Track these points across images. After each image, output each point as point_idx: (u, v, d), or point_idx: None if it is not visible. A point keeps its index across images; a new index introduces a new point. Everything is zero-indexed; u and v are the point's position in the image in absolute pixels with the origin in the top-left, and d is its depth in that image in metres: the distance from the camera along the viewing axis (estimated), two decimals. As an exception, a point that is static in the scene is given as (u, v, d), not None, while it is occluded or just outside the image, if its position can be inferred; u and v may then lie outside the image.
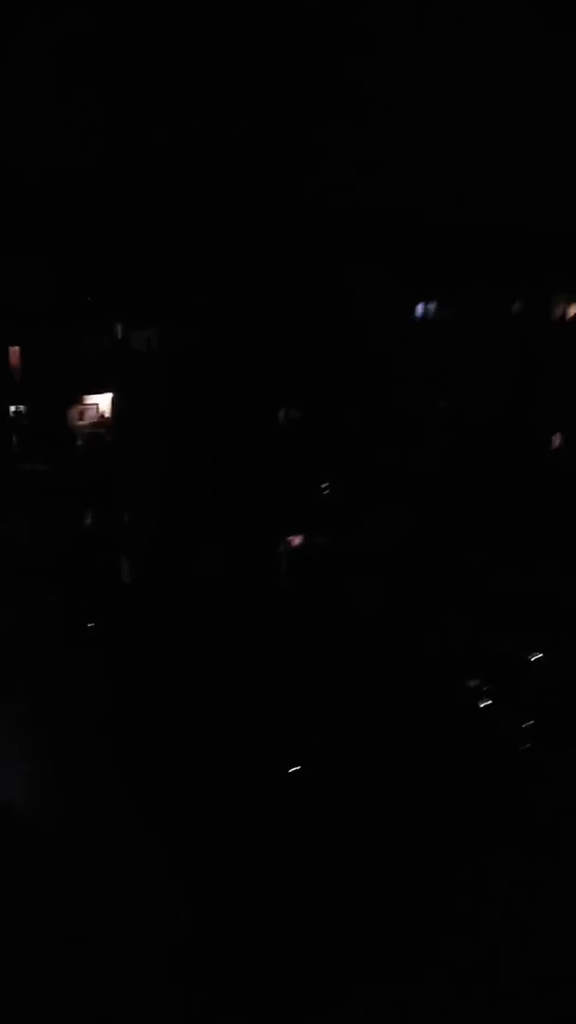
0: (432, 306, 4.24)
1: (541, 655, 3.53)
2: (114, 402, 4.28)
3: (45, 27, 3.03)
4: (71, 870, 2.74)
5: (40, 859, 2.78)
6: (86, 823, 2.96)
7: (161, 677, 3.62)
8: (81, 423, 4.23)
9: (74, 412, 4.21)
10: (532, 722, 3.39)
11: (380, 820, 2.99)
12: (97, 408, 4.29)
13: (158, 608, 3.93)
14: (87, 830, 2.94)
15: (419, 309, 4.26)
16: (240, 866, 2.81)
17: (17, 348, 4.09)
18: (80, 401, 4.23)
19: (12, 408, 4.06)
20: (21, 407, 4.08)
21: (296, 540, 4.11)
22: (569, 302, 4.15)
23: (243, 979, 2.49)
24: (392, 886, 2.79)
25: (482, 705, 3.51)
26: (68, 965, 2.47)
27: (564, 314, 4.15)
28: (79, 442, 4.20)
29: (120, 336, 4.39)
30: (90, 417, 4.25)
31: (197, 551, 4.00)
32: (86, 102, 3.41)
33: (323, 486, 4.31)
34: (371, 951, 2.61)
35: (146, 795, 3.11)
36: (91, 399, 4.29)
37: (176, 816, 3.00)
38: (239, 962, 2.54)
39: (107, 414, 4.30)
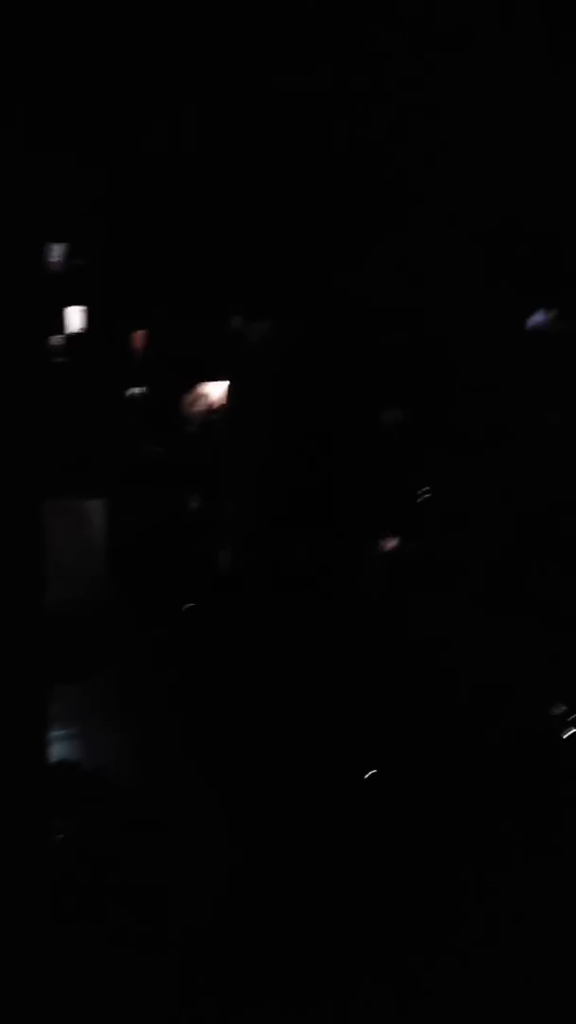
0: (547, 315, 4.16)
1: None
2: (227, 392, 4.39)
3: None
4: (146, 824, 2.92)
5: (121, 815, 2.96)
6: (163, 787, 3.13)
7: (247, 663, 3.73)
8: (194, 410, 4.35)
9: (188, 399, 4.33)
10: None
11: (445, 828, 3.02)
12: (210, 396, 4.41)
13: (251, 596, 4.03)
14: (164, 793, 3.11)
15: (535, 318, 4.19)
16: (290, 846, 2.89)
17: (140, 333, 4.24)
18: (195, 388, 4.35)
19: (132, 390, 4.21)
20: (140, 390, 4.23)
21: (391, 543, 4.14)
22: None
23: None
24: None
25: (567, 736, 3.48)
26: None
27: None
28: (190, 428, 4.32)
29: (238, 326, 4.48)
30: (203, 405, 4.37)
31: (293, 545, 4.08)
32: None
33: (422, 491, 4.32)
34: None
35: (221, 773, 3.23)
36: (205, 387, 4.40)
37: (241, 788, 3.12)
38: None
39: (219, 403, 4.41)
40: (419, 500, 4.25)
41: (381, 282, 4.24)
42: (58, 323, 4.02)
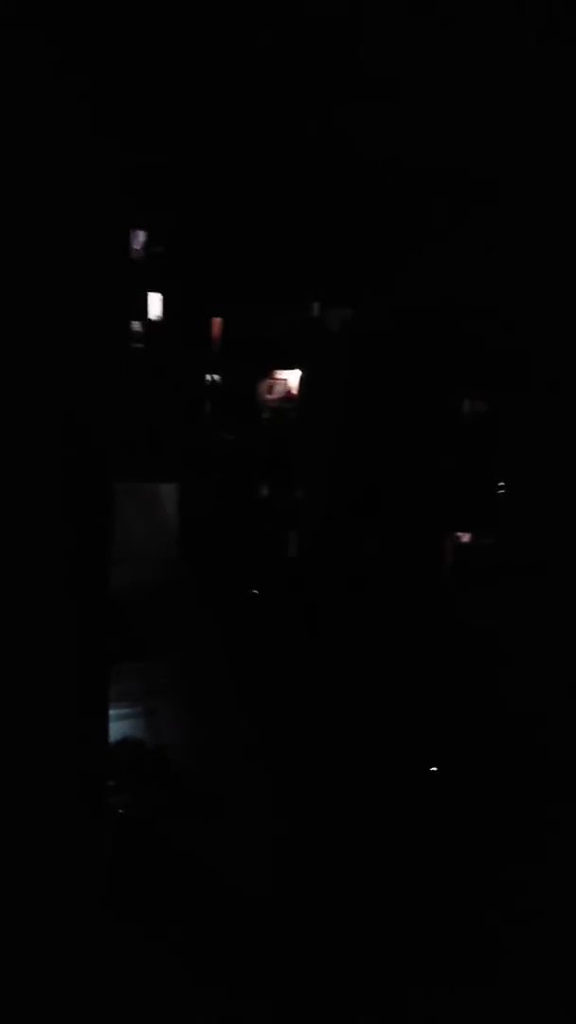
0: None
1: None
2: (302, 380, 4.38)
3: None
4: (206, 797, 2.98)
5: (183, 789, 3.03)
6: (220, 762, 3.18)
7: (310, 649, 3.73)
8: (270, 397, 4.36)
9: (264, 386, 4.35)
10: None
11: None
12: (286, 384, 4.40)
13: (319, 584, 4.03)
14: (224, 772, 3.16)
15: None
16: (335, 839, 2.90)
17: (218, 320, 4.27)
18: (271, 376, 4.36)
19: (208, 377, 4.25)
20: (216, 377, 4.26)
21: (464, 537, 4.05)
22: None
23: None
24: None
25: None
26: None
27: None
28: (265, 416, 4.33)
29: (316, 314, 4.46)
30: (278, 392, 4.37)
31: (363, 535, 4.05)
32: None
33: (499, 484, 4.21)
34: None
35: (277, 752, 3.26)
36: (281, 374, 4.40)
37: (296, 771, 3.14)
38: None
39: (295, 391, 4.40)
40: (496, 494, 4.15)
41: (461, 273, 4.15)
42: (138, 309, 4.09)
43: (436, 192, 3.98)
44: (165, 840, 2.87)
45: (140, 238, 3.98)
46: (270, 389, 4.38)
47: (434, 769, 3.28)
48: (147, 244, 4.00)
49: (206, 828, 2.93)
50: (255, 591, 4.02)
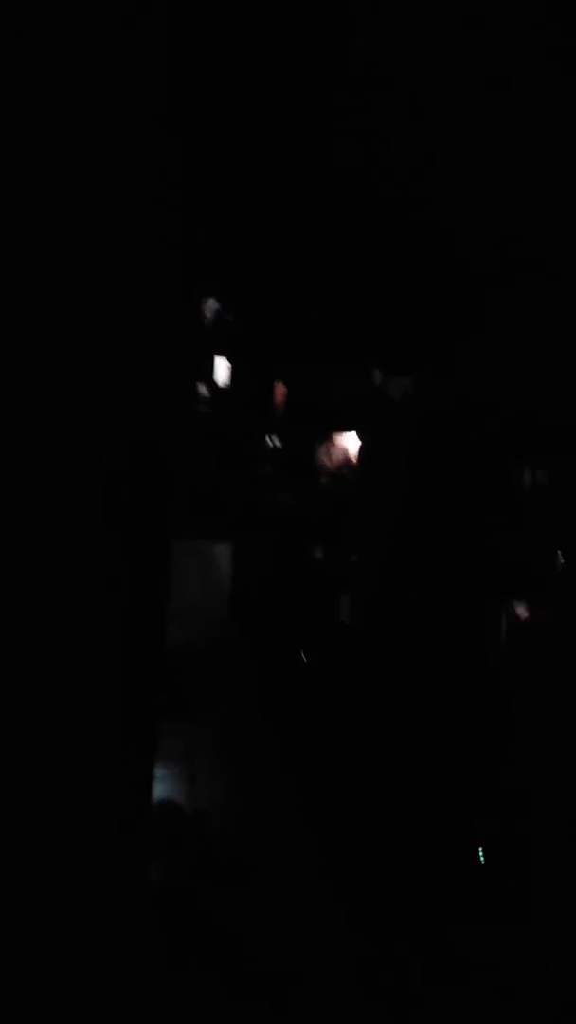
0: None
1: None
2: (362, 445, 4.41)
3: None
4: (243, 865, 2.92)
5: (221, 854, 2.97)
6: (261, 830, 3.11)
7: (360, 717, 3.66)
8: (328, 461, 4.40)
9: (323, 450, 4.39)
10: None
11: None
12: (345, 449, 4.44)
13: (370, 651, 3.97)
14: (260, 835, 3.09)
15: None
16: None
17: (281, 385, 4.35)
18: (330, 440, 4.41)
19: (268, 440, 4.32)
20: (276, 439, 4.33)
21: (523, 611, 3.96)
22: None
23: None
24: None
25: None
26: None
27: None
28: (323, 479, 4.36)
29: (378, 381, 4.51)
30: (337, 457, 4.41)
31: (420, 605, 3.99)
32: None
33: (559, 554, 4.12)
34: None
35: (319, 820, 3.19)
36: (341, 439, 4.45)
37: (336, 837, 3.06)
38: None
39: (354, 455, 4.44)
40: (556, 566, 4.06)
41: (527, 344, 4.15)
42: (205, 372, 4.21)
43: (499, 265, 4.02)
44: (199, 909, 2.81)
45: (211, 305, 4.12)
46: (329, 454, 4.42)
47: (480, 853, 3.14)
48: (217, 312, 4.14)
49: (241, 898, 2.85)
50: (304, 655, 3.99)
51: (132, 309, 1.83)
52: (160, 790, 3.03)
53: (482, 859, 3.18)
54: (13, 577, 1.73)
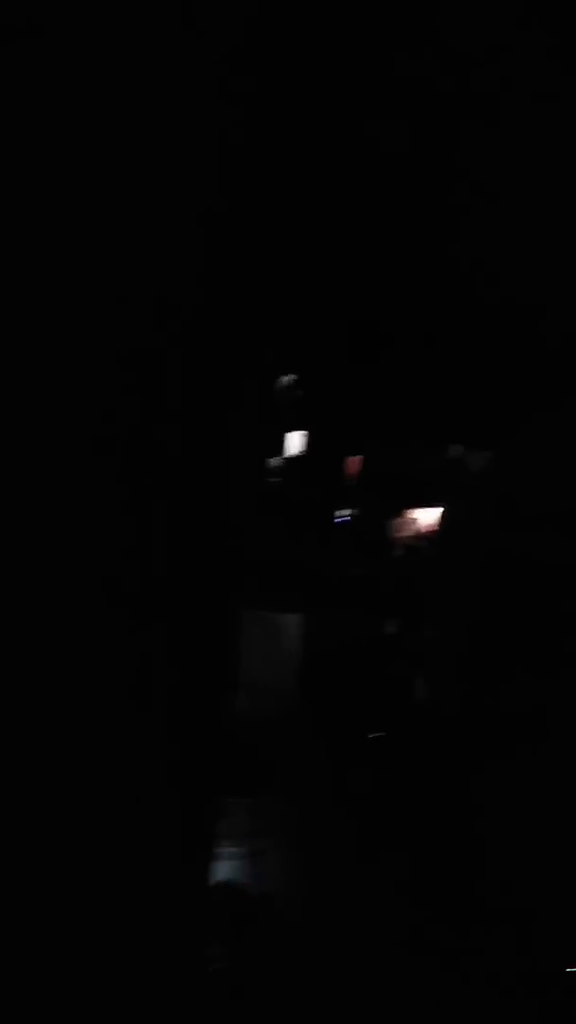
0: None
1: None
2: (441, 518, 4.35)
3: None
4: (312, 957, 2.76)
5: (288, 944, 2.83)
6: (331, 917, 2.96)
7: (433, 801, 3.50)
8: (402, 535, 4.35)
9: (397, 523, 4.36)
10: None
11: None
12: (419, 521, 4.39)
13: (446, 734, 3.82)
14: (331, 923, 2.94)
15: None
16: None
17: (356, 457, 4.37)
18: (405, 513, 4.37)
19: (342, 512, 4.32)
20: (351, 512, 4.32)
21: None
22: None
23: None
24: None
25: None
26: None
27: None
28: (396, 553, 4.31)
29: (455, 454, 4.47)
30: (412, 530, 4.36)
31: (498, 682, 3.83)
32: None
33: None
34: None
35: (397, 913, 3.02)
36: (415, 512, 4.41)
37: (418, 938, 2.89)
38: None
39: (427, 529, 4.38)
40: None
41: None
42: (279, 446, 4.27)
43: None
44: (264, 1003, 2.67)
45: (284, 381, 4.20)
46: (403, 527, 4.38)
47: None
48: (290, 387, 4.22)
49: (310, 992, 2.70)
50: (376, 734, 3.86)
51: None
52: (223, 871, 2.94)
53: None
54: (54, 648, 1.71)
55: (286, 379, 4.18)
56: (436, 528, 4.41)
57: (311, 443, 4.33)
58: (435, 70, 2.80)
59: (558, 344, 4.03)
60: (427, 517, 4.45)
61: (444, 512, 4.41)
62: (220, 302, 1.89)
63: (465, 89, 2.91)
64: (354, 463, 4.38)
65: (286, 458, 4.30)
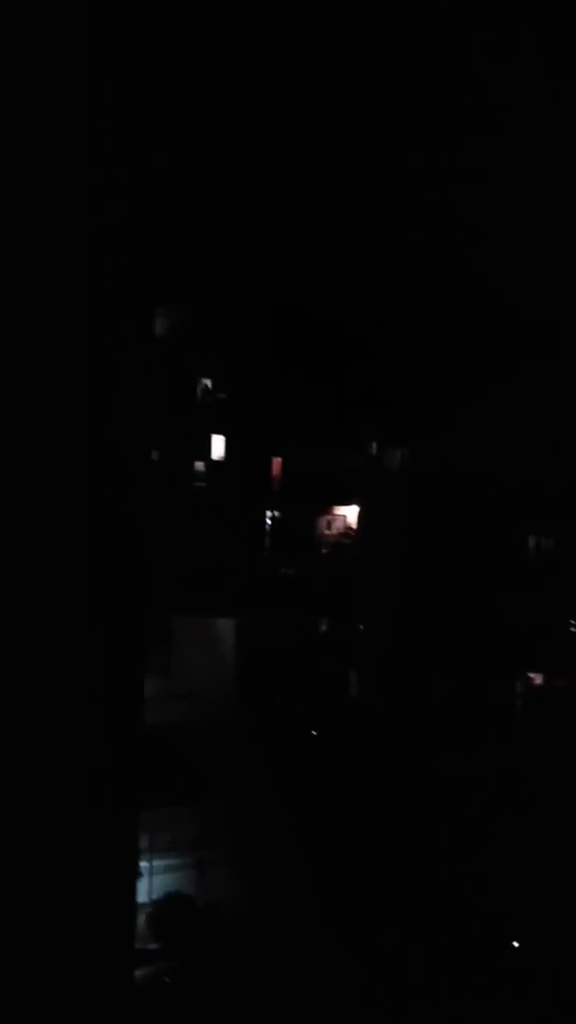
0: None
1: None
2: (361, 515, 4.39)
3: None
4: (260, 964, 2.72)
5: (236, 954, 2.77)
6: (277, 924, 2.91)
7: (374, 791, 3.50)
8: (328, 532, 4.37)
9: (322, 521, 4.37)
10: None
11: None
12: (344, 519, 4.42)
13: (381, 727, 3.83)
14: (277, 930, 2.89)
15: None
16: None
17: (279, 459, 4.36)
18: (329, 512, 4.39)
19: (268, 514, 4.30)
20: (276, 513, 4.31)
21: (537, 679, 3.84)
22: None
23: None
24: None
25: None
26: None
27: None
28: (324, 551, 4.32)
29: (373, 453, 4.52)
30: (337, 527, 4.38)
31: (428, 677, 3.88)
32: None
33: (572, 622, 4.03)
34: None
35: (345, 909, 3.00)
36: (339, 510, 4.43)
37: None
38: None
39: (353, 526, 4.41)
40: (571, 631, 3.97)
41: (519, 410, 4.18)
42: (202, 450, 4.22)
43: (491, 334, 4.09)
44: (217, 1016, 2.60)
45: (205, 385, 4.17)
46: (329, 524, 4.40)
47: (515, 944, 2.95)
48: (209, 391, 4.19)
49: (263, 1003, 2.65)
50: (315, 732, 3.85)
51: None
52: (170, 882, 2.86)
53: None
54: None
55: (205, 383, 4.16)
56: (359, 527, 4.45)
57: (234, 446, 4.31)
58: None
59: (471, 347, 4.14)
60: (350, 515, 4.48)
61: (365, 509, 4.45)
62: (121, 309, 1.86)
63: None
64: (276, 464, 4.37)
65: (210, 462, 4.26)
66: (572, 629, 4.05)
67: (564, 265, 3.66)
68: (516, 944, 3.04)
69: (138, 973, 2.55)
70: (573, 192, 3.26)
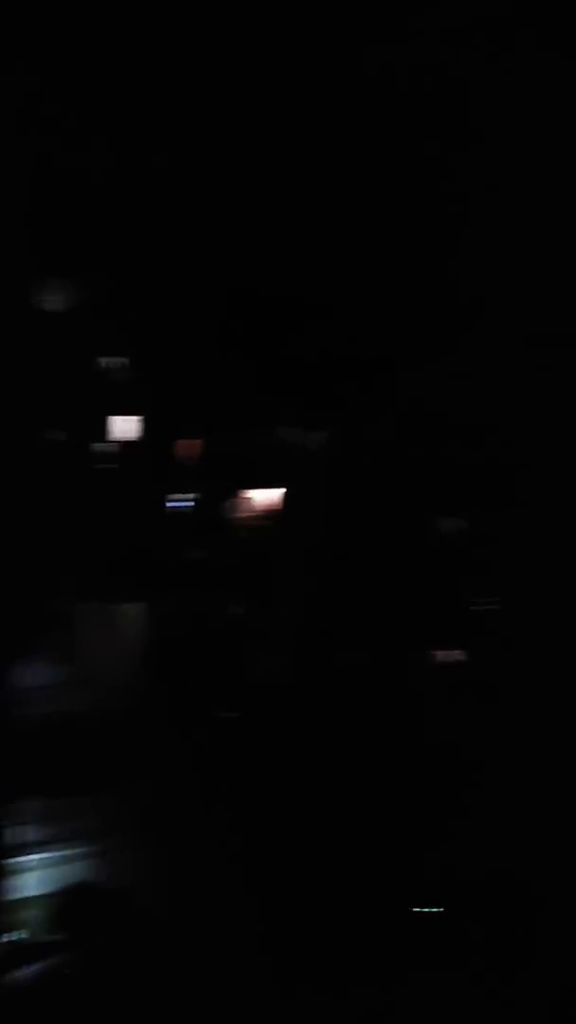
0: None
1: None
2: (275, 499, 4.40)
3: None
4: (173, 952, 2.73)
5: (148, 941, 2.77)
6: (192, 910, 2.93)
7: (286, 776, 3.54)
8: (239, 515, 4.36)
9: (233, 504, 4.35)
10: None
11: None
12: (256, 501, 4.41)
13: (291, 708, 3.87)
14: (193, 916, 2.91)
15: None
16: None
17: (187, 441, 4.31)
18: (240, 494, 4.38)
19: (177, 497, 4.25)
20: (185, 496, 4.26)
21: (445, 656, 3.94)
22: None
23: None
24: None
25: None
26: None
27: None
28: (235, 534, 4.31)
29: (287, 435, 4.52)
30: (248, 510, 4.38)
31: (338, 653, 3.94)
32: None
33: (481, 601, 4.14)
34: None
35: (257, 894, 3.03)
36: (251, 493, 4.42)
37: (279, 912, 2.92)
38: None
39: (265, 509, 4.41)
40: (477, 610, 4.08)
41: (439, 392, 4.24)
42: (109, 430, 4.14)
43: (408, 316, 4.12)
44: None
45: (114, 362, 4.07)
46: (239, 507, 4.39)
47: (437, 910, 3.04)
48: (121, 368, 4.09)
49: (176, 996, 2.65)
50: (226, 714, 3.86)
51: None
52: (71, 872, 2.82)
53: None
54: None
55: (115, 361, 4.06)
56: (274, 508, 4.46)
57: (144, 427, 4.23)
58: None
59: (383, 328, 4.17)
60: (265, 498, 4.48)
61: (283, 493, 4.46)
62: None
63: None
64: (189, 447, 4.32)
65: (119, 443, 4.18)
66: (475, 608, 4.17)
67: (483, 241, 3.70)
68: (437, 910, 3.12)
69: (37, 967, 2.52)
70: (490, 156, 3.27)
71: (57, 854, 2.52)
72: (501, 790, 3.40)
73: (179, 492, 4.26)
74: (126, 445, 4.15)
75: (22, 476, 1.82)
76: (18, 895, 2.62)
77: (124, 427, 4.14)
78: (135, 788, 3.39)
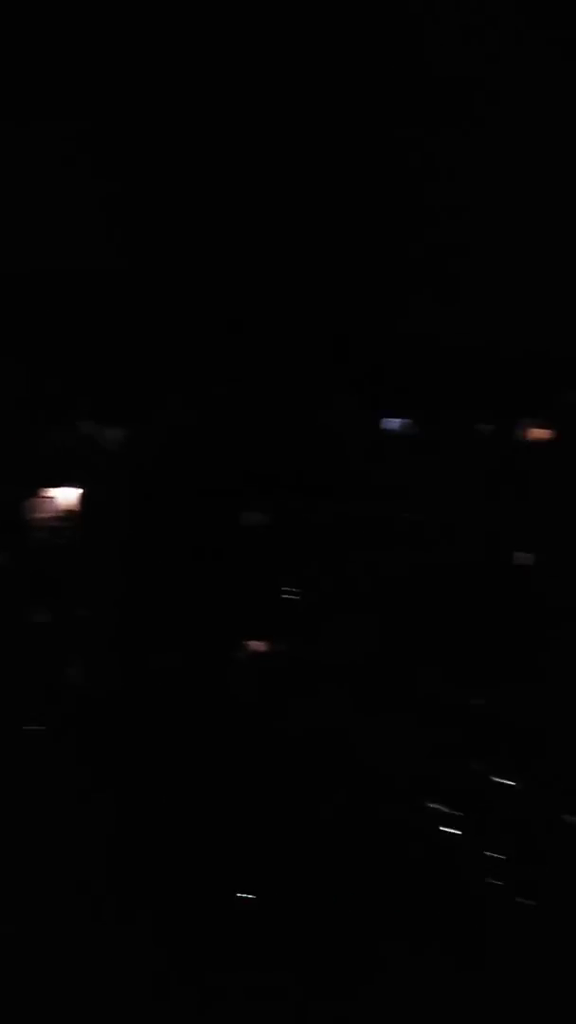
0: (400, 423, 4.34)
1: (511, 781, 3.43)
2: (78, 497, 4.23)
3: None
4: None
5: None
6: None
7: (105, 783, 3.43)
8: (39, 515, 4.14)
9: (32, 504, 4.13)
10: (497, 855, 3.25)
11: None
12: (56, 500, 4.21)
13: (108, 713, 3.74)
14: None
15: (388, 423, 4.35)
16: None
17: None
18: (40, 493, 4.16)
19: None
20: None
21: (258, 647, 3.99)
22: (535, 426, 4.31)
23: None
24: None
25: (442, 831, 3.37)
26: None
27: (531, 437, 4.30)
28: (36, 535, 4.10)
29: (86, 432, 4.36)
30: (49, 509, 4.17)
31: (152, 652, 3.86)
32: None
33: (289, 590, 4.24)
34: None
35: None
36: (51, 491, 4.22)
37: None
38: None
39: (66, 507, 4.23)
40: (285, 600, 4.17)
41: (241, 386, 4.29)
42: None
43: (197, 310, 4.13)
44: None
45: None
46: (40, 506, 4.17)
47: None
48: None
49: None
50: (36, 727, 3.65)
51: None
52: None
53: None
54: None
55: None
56: (74, 508, 4.27)
57: None
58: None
59: (188, 324, 4.15)
60: (63, 497, 4.28)
61: (82, 490, 4.28)
62: None
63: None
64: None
65: None
66: (285, 597, 4.27)
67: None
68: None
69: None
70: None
71: None
72: (326, 772, 3.50)
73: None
74: None
75: None
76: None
77: None
78: None
